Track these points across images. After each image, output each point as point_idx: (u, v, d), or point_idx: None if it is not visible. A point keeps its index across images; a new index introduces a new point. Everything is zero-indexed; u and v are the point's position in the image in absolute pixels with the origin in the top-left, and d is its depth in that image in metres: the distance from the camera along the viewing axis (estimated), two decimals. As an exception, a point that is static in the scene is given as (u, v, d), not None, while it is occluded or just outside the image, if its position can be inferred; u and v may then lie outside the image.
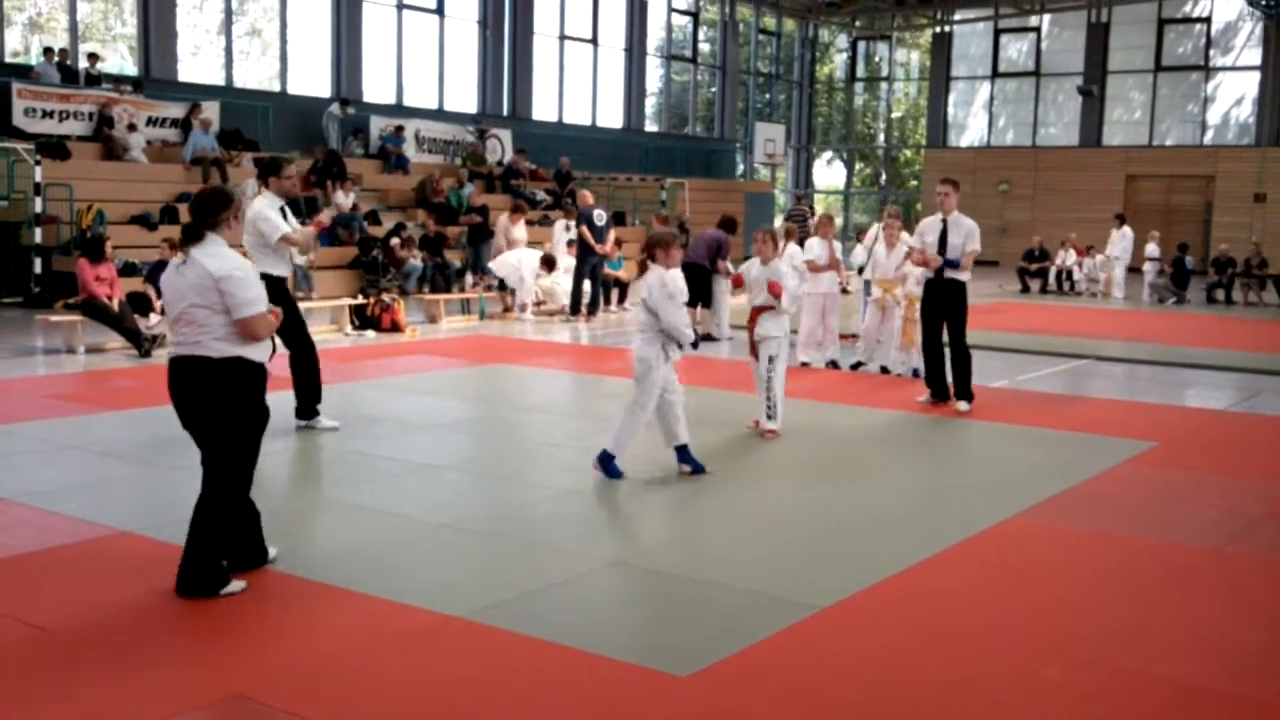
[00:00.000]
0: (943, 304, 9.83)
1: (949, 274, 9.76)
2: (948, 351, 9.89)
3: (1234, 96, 33.73)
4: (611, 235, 17.17)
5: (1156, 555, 5.87)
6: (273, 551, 5.27)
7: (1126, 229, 24.19)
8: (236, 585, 4.91)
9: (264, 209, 8.09)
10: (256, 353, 4.96)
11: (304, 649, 4.42)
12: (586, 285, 16.89)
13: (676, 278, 7.11)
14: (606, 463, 7.09)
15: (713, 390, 10.55)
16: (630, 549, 5.72)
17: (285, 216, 8.22)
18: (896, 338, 11.69)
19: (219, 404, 4.87)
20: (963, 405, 9.78)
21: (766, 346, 8.46)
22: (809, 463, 7.80)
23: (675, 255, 7.19)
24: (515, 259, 17.12)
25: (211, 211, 4.96)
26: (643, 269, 7.32)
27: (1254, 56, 33.02)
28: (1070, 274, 25.51)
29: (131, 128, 19.04)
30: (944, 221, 9.80)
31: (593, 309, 16.90)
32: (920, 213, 37.72)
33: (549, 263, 17.41)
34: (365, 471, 7.31)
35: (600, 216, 16.91)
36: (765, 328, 8.48)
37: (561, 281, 17.46)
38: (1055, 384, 11.75)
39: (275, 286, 7.94)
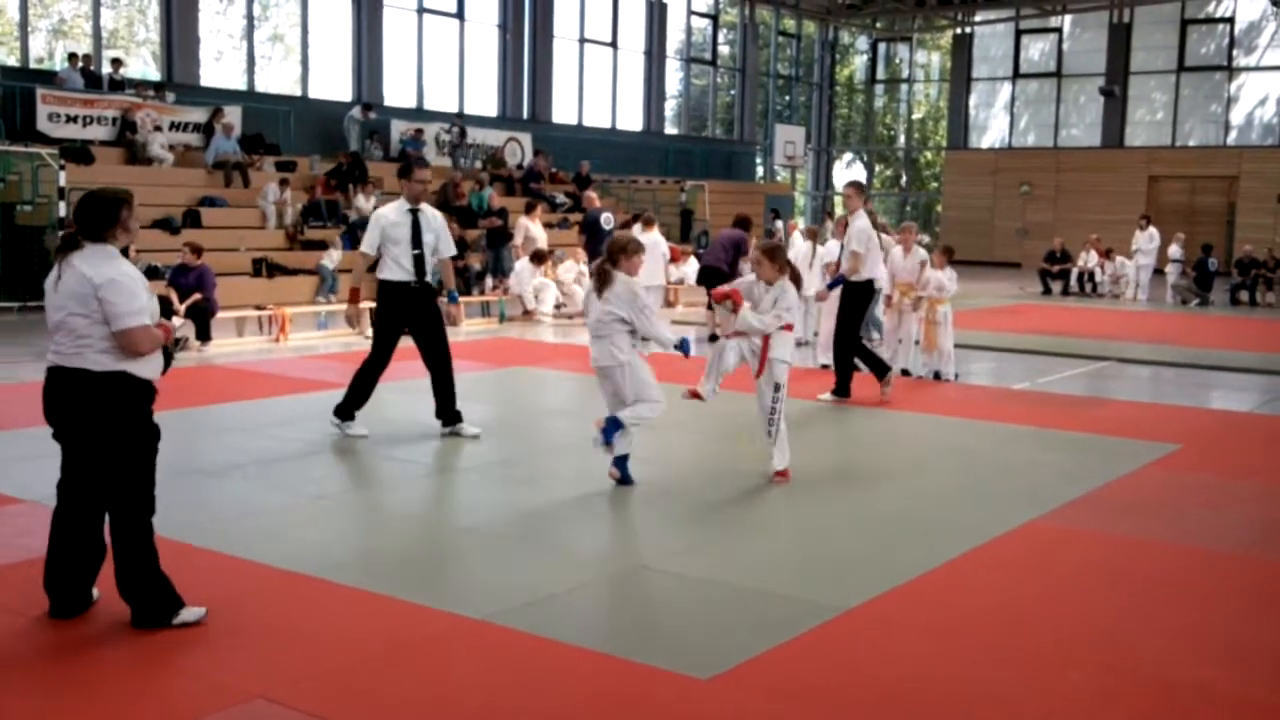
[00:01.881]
0: (850, 303, 10.30)
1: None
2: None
3: (1258, 97, 33.49)
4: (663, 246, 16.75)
5: (1180, 558, 5.84)
6: (95, 594, 4.76)
7: (1152, 230, 24.02)
8: (191, 613, 4.56)
9: (386, 212, 8.22)
10: (143, 368, 4.52)
11: (327, 652, 4.43)
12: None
13: (643, 288, 7.10)
14: (611, 431, 6.81)
15: (736, 394, 10.54)
16: (651, 552, 5.73)
17: (416, 223, 8.12)
18: (918, 339, 11.66)
19: (101, 422, 4.45)
20: (826, 396, 10.29)
21: (778, 372, 7.21)
22: (830, 465, 7.78)
23: (636, 262, 7.02)
24: (519, 268, 17.03)
25: (99, 224, 4.55)
26: (604, 276, 6.94)
27: (1277, 57, 32.77)
28: (1092, 275, 25.38)
29: (156, 129, 19.13)
30: (848, 222, 10.31)
31: None
32: (942, 214, 37.68)
33: (539, 258, 17.40)
34: (388, 475, 7.34)
35: (608, 220, 16.77)
36: (780, 350, 7.21)
37: (580, 283, 17.49)
38: (1078, 386, 11.70)
39: (395, 293, 8.21)
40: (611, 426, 6.81)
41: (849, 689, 4.17)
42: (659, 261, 16.19)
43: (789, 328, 7.28)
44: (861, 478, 7.50)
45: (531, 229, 18.43)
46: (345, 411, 8.35)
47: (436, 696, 4.04)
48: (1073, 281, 25.34)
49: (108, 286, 4.40)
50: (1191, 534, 6.25)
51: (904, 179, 41.66)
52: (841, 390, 10.25)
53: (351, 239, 18.99)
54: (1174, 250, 23.86)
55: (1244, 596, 5.30)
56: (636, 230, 15.83)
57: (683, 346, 7.08)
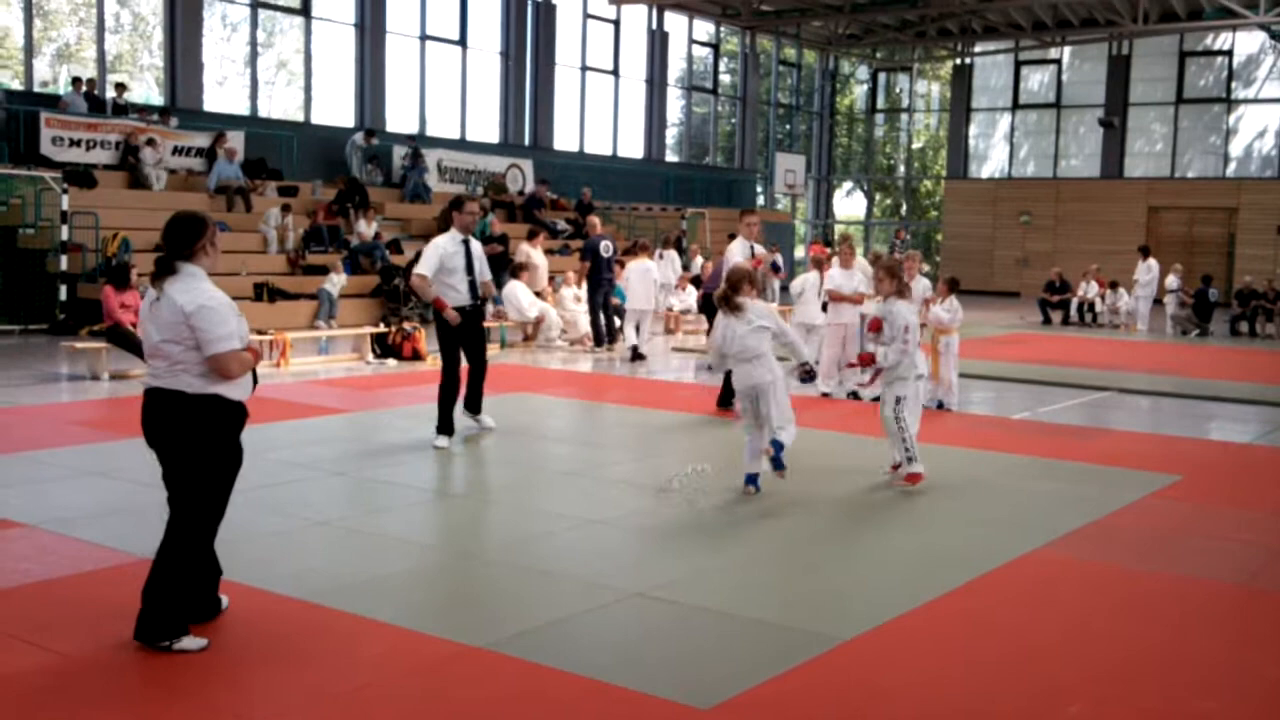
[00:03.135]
0: None
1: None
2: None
3: (1256, 129, 33.65)
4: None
5: (1181, 590, 5.82)
6: (225, 601, 4.99)
7: (1152, 261, 24.07)
8: (192, 642, 4.57)
9: (442, 242, 9.16)
10: (234, 390, 4.68)
11: (324, 679, 4.41)
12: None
13: (772, 309, 7.94)
14: (779, 451, 7.41)
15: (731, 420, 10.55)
16: (651, 580, 5.71)
17: (469, 252, 9.12)
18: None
19: (192, 442, 4.62)
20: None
21: (897, 386, 7.98)
22: (831, 496, 7.77)
23: (754, 291, 7.77)
24: (509, 292, 17.04)
25: (186, 241, 4.68)
26: (736, 306, 7.58)
27: (1276, 89, 32.98)
28: (1092, 306, 25.42)
29: (150, 142, 19.13)
30: (751, 247, 11.01)
31: (611, 338, 16.86)
32: (942, 243, 37.76)
33: (518, 271, 17.47)
34: (387, 500, 7.33)
35: (607, 248, 16.78)
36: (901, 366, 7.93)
37: (577, 309, 17.51)
38: (1077, 416, 11.69)
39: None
40: (778, 449, 7.40)
41: (849, 719, 4.16)
42: (650, 286, 16.25)
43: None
44: (862, 507, 7.49)
45: (533, 255, 18.47)
46: (445, 428, 9.16)
47: (435, 724, 4.01)
48: (1073, 311, 25.38)
49: (197, 314, 4.54)
50: (1192, 565, 6.23)
51: (904, 208, 41.78)
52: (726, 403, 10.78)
53: (353, 264, 19.05)
54: (1172, 281, 23.89)
55: (1245, 627, 5.28)
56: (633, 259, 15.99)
57: (810, 374, 8.19)
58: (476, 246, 9.35)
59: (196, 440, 4.63)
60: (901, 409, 7.95)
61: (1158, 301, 24.88)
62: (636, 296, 16.14)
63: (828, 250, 13.76)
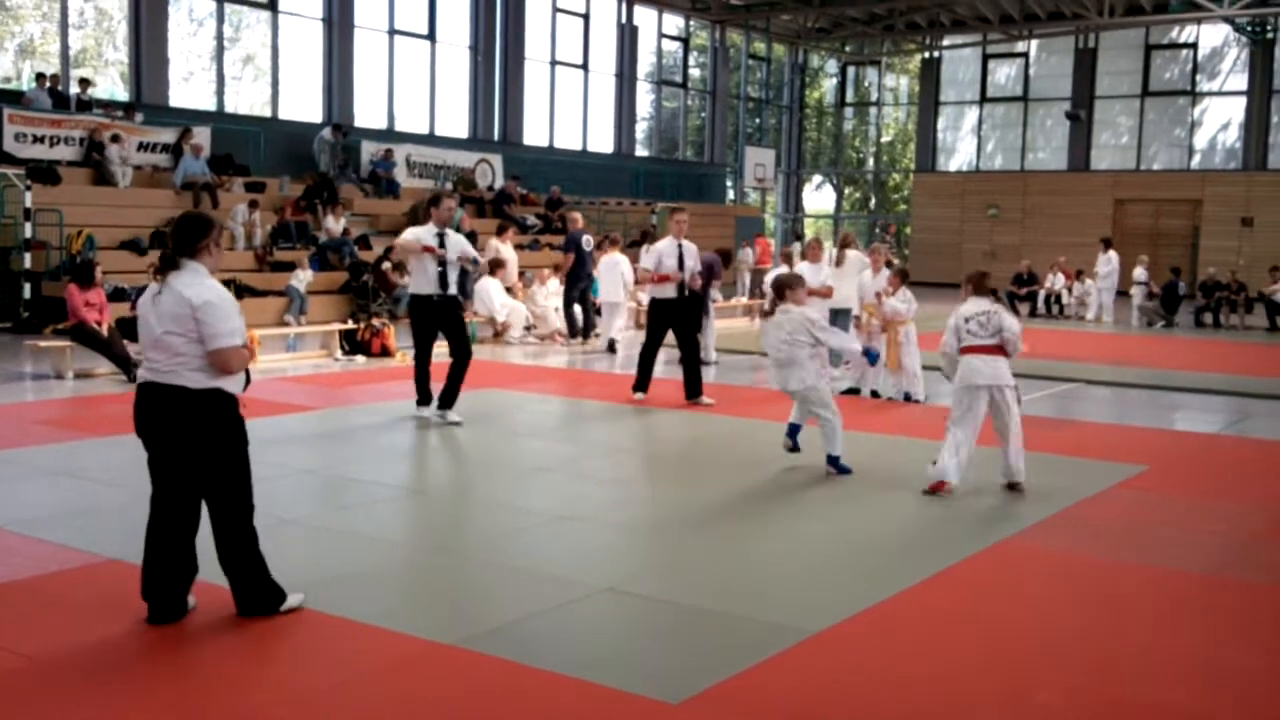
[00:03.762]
0: (680, 315, 11.22)
1: (690, 290, 11.29)
2: (676, 354, 11.69)
3: (1221, 121, 33.95)
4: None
5: (1149, 579, 5.87)
6: (192, 602, 4.98)
7: (1112, 253, 24.30)
8: (294, 599, 4.98)
9: (420, 233, 9.71)
10: (232, 385, 4.83)
11: (292, 678, 4.39)
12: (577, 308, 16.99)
13: (817, 315, 8.37)
14: (836, 463, 8.04)
15: (701, 415, 10.56)
16: (621, 575, 5.71)
17: (442, 243, 9.62)
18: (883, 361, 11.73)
19: (201, 436, 4.75)
20: (707, 400, 11.11)
21: (1014, 389, 7.90)
22: (799, 488, 7.79)
23: (801, 294, 8.20)
24: (480, 288, 17.02)
25: (191, 238, 4.81)
26: (774, 309, 8.11)
27: (1240, 82, 33.26)
28: (1059, 298, 25.60)
29: (115, 139, 18.95)
30: (679, 245, 11.20)
31: (585, 332, 16.99)
32: (911, 236, 37.92)
33: (495, 267, 17.48)
34: (355, 497, 7.29)
35: (588, 242, 17.03)
36: (1005, 372, 7.92)
37: (551, 304, 17.50)
38: (1045, 408, 11.77)
39: (423, 305, 9.74)
40: (833, 460, 8.05)
41: (820, 711, 4.17)
42: (619, 280, 16.31)
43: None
44: (829, 500, 7.51)
45: (503, 250, 18.42)
46: (424, 399, 10.03)
47: (405, 722, 4.00)
48: (1040, 303, 25.56)
49: (204, 308, 4.66)
50: (1158, 555, 6.29)
51: (873, 201, 41.93)
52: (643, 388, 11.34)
53: (321, 260, 18.94)
54: (1138, 273, 24.10)
55: (1210, 617, 5.33)
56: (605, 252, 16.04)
57: (869, 355, 9.28)
58: (453, 238, 9.79)
59: (203, 434, 4.75)
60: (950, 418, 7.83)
61: (1122, 293, 25.07)
62: (607, 290, 16.34)
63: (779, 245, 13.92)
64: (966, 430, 7.58)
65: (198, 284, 4.72)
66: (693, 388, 11.13)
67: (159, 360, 4.72)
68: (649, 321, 11.69)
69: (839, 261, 12.90)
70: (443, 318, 9.82)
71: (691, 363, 11.21)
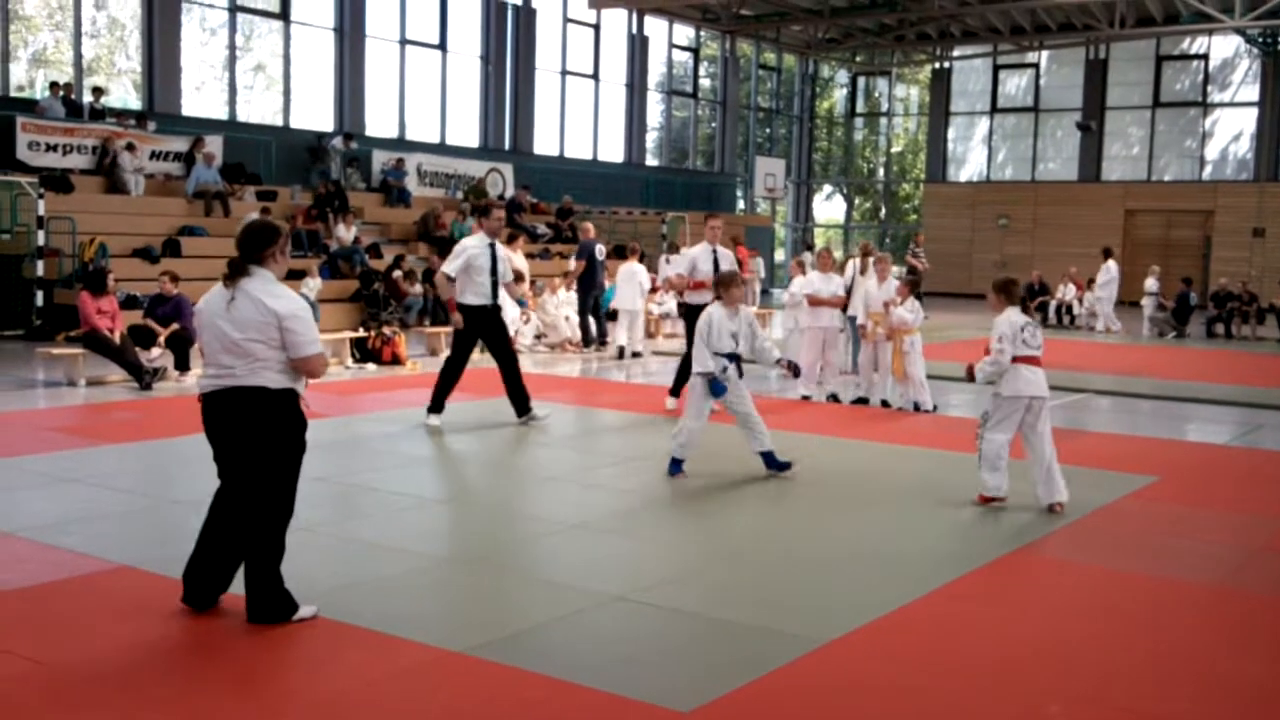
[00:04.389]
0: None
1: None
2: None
3: (1232, 132, 33.89)
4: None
5: (1159, 590, 5.86)
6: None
7: (1111, 263, 24.23)
8: (306, 610, 4.99)
9: (470, 243, 10.05)
10: (301, 386, 5.06)
11: (305, 684, 4.40)
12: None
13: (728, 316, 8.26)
14: (772, 460, 8.23)
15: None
16: (632, 584, 5.71)
17: (494, 254, 9.96)
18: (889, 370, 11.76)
19: (275, 435, 4.93)
20: (670, 403, 11.26)
21: (989, 402, 7.70)
22: (812, 497, 7.78)
23: (736, 293, 8.24)
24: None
25: (259, 245, 4.97)
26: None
27: (1252, 93, 33.21)
28: (1070, 308, 25.55)
29: (128, 147, 19.02)
30: (714, 251, 11.20)
31: (599, 341, 17.16)
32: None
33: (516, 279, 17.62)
34: (367, 505, 7.31)
35: (601, 251, 17.24)
36: (1038, 383, 7.51)
37: (562, 313, 17.53)
38: (1055, 418, 11.69)
39: (473, 314, 10.01)
40: (769, 459, 8.25)
41: (830, 722, 4.16)
42: (636, 289, 16.47)
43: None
44: (842, 509, 7.50)
45: (514, 259, 18.45)
46: (521, 410, 10.18)
47: (416, 730, 4.00)
48: (1050, 314, 25.51)
49: (292, 319, 4.89)
50: (1169, 566, 6.27)
51: (883, 211, 41.90)
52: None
53: (331, 269, 18.99)
54: (1150, 284, 24.04)
55: (1220, 628, 5.31)
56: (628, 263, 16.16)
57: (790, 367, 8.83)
58: (502, 250, 10.19)
59: (279, 433, 4.94)
60: (983, 428, 7.57)
61: (1133, 304, 24.98)
62: (623, 298, 16.56)
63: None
64: (1009, 437, 7.47)
65: (277, 294, 4.92)
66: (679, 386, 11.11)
67: (236, 365, 4.88)
68: (686, 328, 11.58)
69: (864, 270, 12.89)
70: (489, 326, 10.15)
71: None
